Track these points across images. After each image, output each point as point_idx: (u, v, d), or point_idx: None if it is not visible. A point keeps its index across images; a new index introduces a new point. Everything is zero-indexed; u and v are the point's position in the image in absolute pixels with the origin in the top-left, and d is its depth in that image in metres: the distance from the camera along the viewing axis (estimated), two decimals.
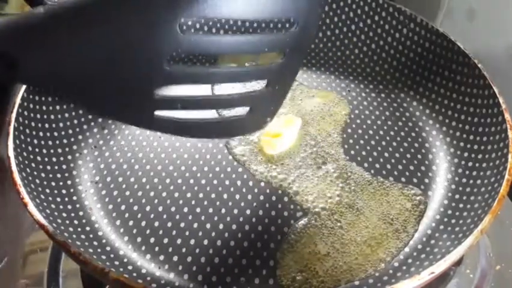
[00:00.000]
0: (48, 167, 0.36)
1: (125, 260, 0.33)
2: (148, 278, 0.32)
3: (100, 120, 0.42)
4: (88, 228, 0.34)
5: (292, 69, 0.28)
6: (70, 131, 0.40)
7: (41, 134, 0.38)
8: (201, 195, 0.37)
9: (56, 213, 0.33)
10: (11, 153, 0.33)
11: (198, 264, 0.33)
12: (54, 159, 0.37)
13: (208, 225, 0.35)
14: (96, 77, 0.22)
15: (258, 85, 0.27)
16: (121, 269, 0.32)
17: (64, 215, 0.34)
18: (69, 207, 0.35)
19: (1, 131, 0.37)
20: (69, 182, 0.37)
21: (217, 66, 0.26)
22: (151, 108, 0.24)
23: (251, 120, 0.28)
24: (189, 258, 0.33)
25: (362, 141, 0.41)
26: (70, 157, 0.39)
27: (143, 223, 0.35)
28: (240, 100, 0.27)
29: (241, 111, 0.28)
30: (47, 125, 0.39)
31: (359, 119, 0.43)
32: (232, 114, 0.28)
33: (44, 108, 0.39)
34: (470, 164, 0.38)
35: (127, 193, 0.37)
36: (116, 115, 0.26)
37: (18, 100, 0.36)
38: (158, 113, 0.25)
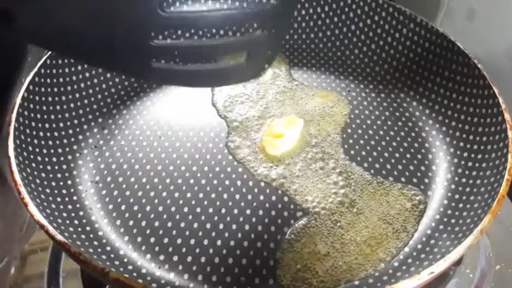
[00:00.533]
0: (49, 167, 0.36)
1: (126, 260, 0.33)
2: (148, 278, 0.32)
3: (100, 120, 0.42)
4: (88, 228, 0.34)
5: (288, 10, 0.28)
6: (70, 131, 0.40)
7: (41, 134, 0.38)
8: (201, 195, 0.37)
9: (56, 213, 0.33)
10: (11, 153, 0.33)
11: (198, 264, 0.33)
12: (54, 159, 0.37)
13: (208, 225, 0.35)
14: (92, 26, 0.22)
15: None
16: (121, 269, 0.32)
17: (64, 215, 0.34)
18: (69, 207, 0.35)
19: (1, 132, 0.37)
20: (69, 182, 0.37)
21: (214, 10, 0.26)
22: (148, 57, 0.25)
23: (249, 66, 0.28)
24: (189, 258, 0.33)
25: (361, 141, 0.41)
26: (70, 157, 0.39)
27: (144, 223, 0.35)
28: (237, 45, 0.27)
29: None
30: (47, 125, 0.39)
31: (359, 119, 0.43)
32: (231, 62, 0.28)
33: (44, 108, 0.39)
34: (470, 164, 0.38)
35: (127, 193, 0.37)
36: (115, 65, 0.26)
37: (18, 100, 0.36)
38: (156, 64, 0.25)
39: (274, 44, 0.29)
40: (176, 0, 0.25)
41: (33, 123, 0.37)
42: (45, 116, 0.39)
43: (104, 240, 0.34)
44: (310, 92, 0.46)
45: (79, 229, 0.33)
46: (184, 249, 0.33)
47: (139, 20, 0.23)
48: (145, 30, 0.23)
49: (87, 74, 0.43)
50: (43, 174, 0.35)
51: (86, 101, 0.43)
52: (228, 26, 0.26)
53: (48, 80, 0.40)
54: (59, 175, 0.37)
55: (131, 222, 0.35)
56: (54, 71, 0.41)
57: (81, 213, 0.35)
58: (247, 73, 0.29)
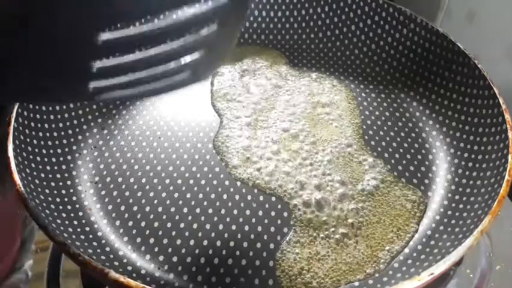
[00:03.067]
0: (48, 167, 0.36)
1: (125, 261, 0.33)
2: (148, 279, 0.32)
3: (99, 120, 0.42)
4: (87, 229, 0.34)
5: (241, 5, 0.26)
6: (70, 131, 0.40)
7: (40, 134, 0.38)
8: (200, 195, 0.37)
9: (55, 214, 0.33)
10: (10, 153, 0.33)
11: (198, 264, 0.33)
12: (54, 160, 0.37)
13: (207, 226, 0.35)
14: (28, 61, 0.21)
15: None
16: (121, 270, 0.32)
17: (64, 215, 0.34)
18: (69, 207, 0.35)
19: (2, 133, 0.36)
20: (69, 182, 0.37)
21: (160, 20, 0.23)
22: (87, 81, 0.23)
23: (206, 62, 0.26)
24: (189, 259, 0.33)
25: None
26: (69, 157, 0.39)
27: (143, 223, 0.35)
28: (194, 46, 0.25)
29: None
30: (47, 125, 0.39)
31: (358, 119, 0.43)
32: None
33: (44, 108, 0.39)
34: (470, 164, 0.38)
35: (127, 193, 0.37)
36: (51, 98, 0.25)
37: None
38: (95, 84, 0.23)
39: (227, 39, 0.27)
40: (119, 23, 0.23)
41: (32, 123, 0.37)
42: (45, 116, 0.39)
43: (103, 241, 0.34)
44: (310, 92, 0.45)
45: (78, 229, 0.33)
46: (183, 250, 0.33)
47: (75, 54, 0.21)
48: (82, 61, 0.22)
49: None
50: (42, 175, 0.35)
51: (85, 101, 0.43)
52: (177, 35, 0.24)
53: None
54: (58, 175, 0.37)
55: (130, 223, 0.35)
56: None
57: (80, 213, 0.35)
58: (204, 69, 0.28)
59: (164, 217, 0.35)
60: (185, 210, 0.36)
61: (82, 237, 0.33)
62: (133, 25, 0.22)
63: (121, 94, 0.25)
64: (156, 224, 0.35)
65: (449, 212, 0.35)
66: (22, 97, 0.28)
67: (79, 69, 0.22)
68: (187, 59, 0.25)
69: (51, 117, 0.39)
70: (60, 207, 0.34)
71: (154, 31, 0.22)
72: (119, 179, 0.38)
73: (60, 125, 0.40)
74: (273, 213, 0.35)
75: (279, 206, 0.36)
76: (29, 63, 0.21)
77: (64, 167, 0.38)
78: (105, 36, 0.21)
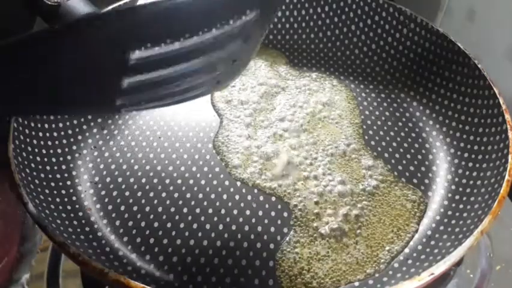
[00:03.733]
0: (48, 167, 0.36)
1: (125, 261, 0.33)
2: (148, 279, 0.32)
3: (99, 120, 0.42)
4: (87, 229, 0.34)
5: (264, 22, 0.27)
6: (70, 131, 0.40)
7: (40, 134, 0.38)
8: (200, 195, 0.37)
9: (55, 214, 0.33)
10: (10, 153, 0.33)
11: (198, 264, 0.33)
12: (54, 160, 0.37)
13: (207, 226, 0.35)
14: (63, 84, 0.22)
15: None
16: (121, 270, 0.32)
17: (64, 215, 0.34)
18: (68, 207, 0.35)
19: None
20: (68, 183, 0.37)
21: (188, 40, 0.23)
22: (115, 98, 0.23)
23: (229, 73, 0.27)
24: (189, 259, 0.33)
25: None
26: (69, 157, 0.39)
27: (143, 224, 0.35)
28: (221, 60, 0.25)
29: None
30: (46, 125, 0.39)
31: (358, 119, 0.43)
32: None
33: None
34: (470, 164, 0.38)
35: (127, 194, 0.37)
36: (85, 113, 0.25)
37: None
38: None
39: (250, 51, 0.28)
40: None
41: (32, 124, 0.37)
42: (45, 116, 0.39)
43: (103, 241, 0.34)
44: (310, 92, 0.45)
45: (78, 230, 0.33)
46: (183, 250, 0.33)
47: (106, 73, 0.22)
48: (113, 80, 0.22)
49: None
50: (42, 175, 0.35)
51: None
52: (207, 52, 0.25)
53: None
54: (58, 175, 0.37)
55: (130, 223, 0.35)
56: None
57: (80, 213, 0.35)
58: (226, 79, 0.28)
59: (164, 217, 0.35)
60: (185, 210, 0.36)
61: (82, 237, 0.33)
62: (163, 44, 0.22)
63: (145, 107, 0.25)
64: (156, 224, 0.35)
65: (449, 212, 0.35)
66: (48, 112, 0.29)
67: (109, 87, 0.23)
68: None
69: (51, 117, 0.39)
70: (60, 207, 0.34)
71: (184, 49, 0.22)
72: (119, 179, 0.38)
73: (60, 125, 0.40)
74: (273, 213, 0.35)
75: (279, 206, 0.36)
76: (53, 83, 0.22)
77: (63, 167, 0.38)
78: (136, 55, 0.21)
